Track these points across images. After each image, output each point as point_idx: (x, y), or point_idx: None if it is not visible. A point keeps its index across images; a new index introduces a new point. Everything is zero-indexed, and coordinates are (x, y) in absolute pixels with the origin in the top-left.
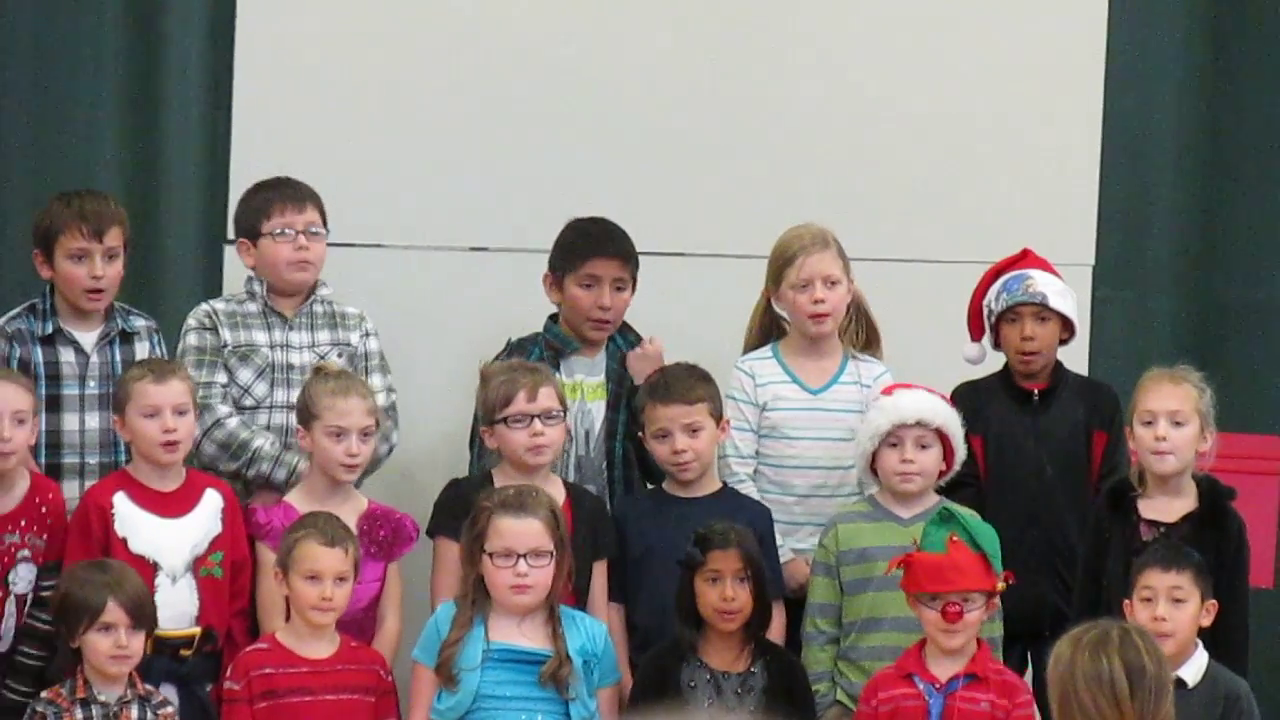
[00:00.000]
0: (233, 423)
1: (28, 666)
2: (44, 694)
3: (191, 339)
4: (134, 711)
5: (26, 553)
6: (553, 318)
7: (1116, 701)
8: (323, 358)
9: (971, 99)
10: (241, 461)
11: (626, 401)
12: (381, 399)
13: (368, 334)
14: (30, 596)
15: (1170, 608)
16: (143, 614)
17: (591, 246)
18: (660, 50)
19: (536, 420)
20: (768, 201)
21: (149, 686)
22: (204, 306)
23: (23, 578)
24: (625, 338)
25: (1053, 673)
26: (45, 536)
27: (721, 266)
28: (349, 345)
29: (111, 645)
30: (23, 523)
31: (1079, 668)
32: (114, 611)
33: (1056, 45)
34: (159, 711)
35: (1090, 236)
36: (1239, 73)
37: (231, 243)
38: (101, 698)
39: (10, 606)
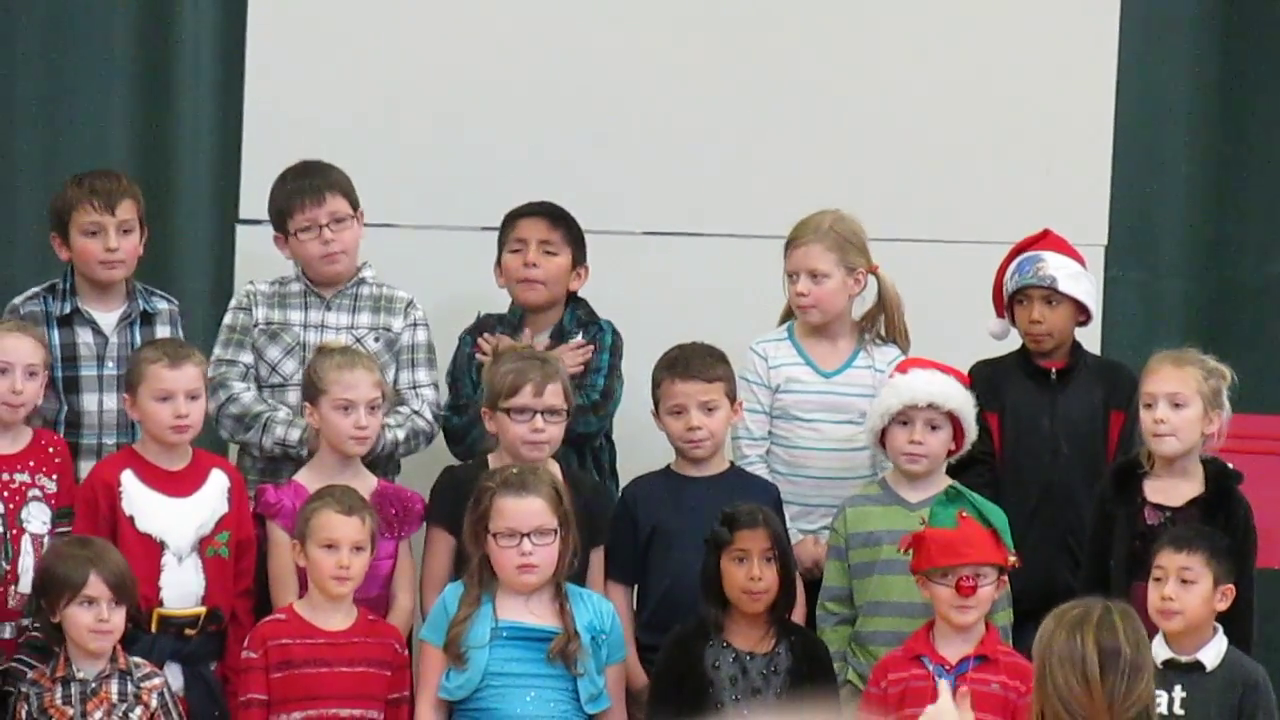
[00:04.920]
0: (247, 397)
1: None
2: (30, 675)
3: (227, 318)
4: (114, 686)
5: (37, 492)
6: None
7: (1087, 682)
8: (359, 340)
9: (984, 79)
10: (255, 430)
11: None
12: (429, 394)
13: (416, 324)
14: (48, 541)
15: (1178, 588)
16: (124, 588)
17: (516, 212)
18: (676, 28)
19: (539, 416)
20: (780, 182)
21: (136, 660)
22: (247, 286)
23: (35, 516)
24: (574, 313)
25: (1035, 647)
26: (56, 478)
27: (734, 247)
28: (389, 330)
29: (93, 619)
30: (31, 463)
31: (1055, 645)
32: (96, 585)
33: (1069, 25)
34: (143, 684)
35: (1103, 216)
36: (1252, 53)
37: (244, 222)
38: (80, 675)
39: (27, 545)
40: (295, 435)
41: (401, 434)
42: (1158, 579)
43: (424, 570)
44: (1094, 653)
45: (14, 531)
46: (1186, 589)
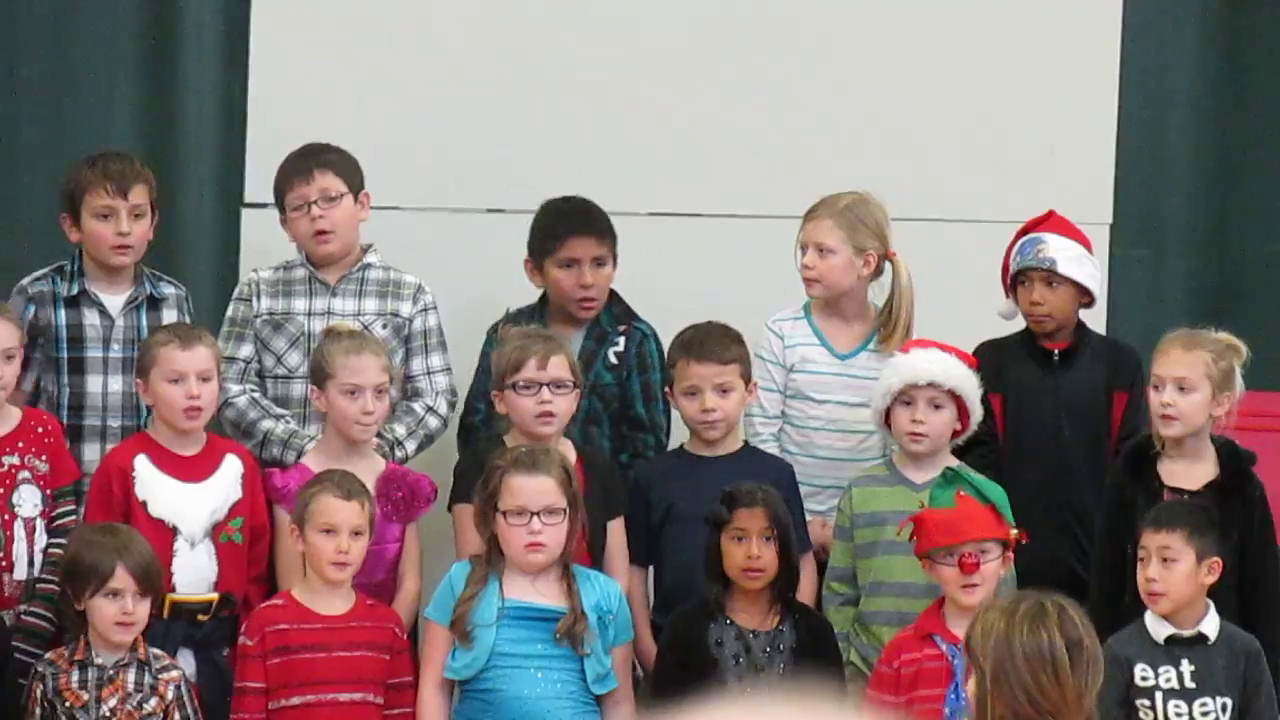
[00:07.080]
0: (242, 402)
1: (47, 593)
2: (48, 655)
3: (229, 309)
4: (130, 675)
5: (28, 474)
6: (542, 299)
7: (1057, 676)
8: (366, 327)
9: (990, 59)
10: (253, 442)
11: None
12: (442, 381)
13: (426, 310)
14: (42, 524)
15: (1160, 568)
16: (150, 581)
17: (566, 227)
18: (686, 9)
19: (545, 389)
20: (785, 163)
21: (155, 650)
22: (250, 274)
23: (27, 500)
24: (610, 312)
25: (982, 644)
26: (47, 459)
27: (739, 228)
28: (397, 316)
29: (118, 611)
30: (20, 445)
31: (1017, 641)
32: (122, 578)
33: (1073, 3)
34: (161, 675)
35: (1108, 195)
36: (1257, 29)
37: (249, 206)
38: (99, 660)
39: (19, 530)
40: (291, 458)
41: (412, 446)
42: (1142, 559)
43: (459, 550)
44: (1062, 646)
45: (6, 517)
46: (1168, 568)
